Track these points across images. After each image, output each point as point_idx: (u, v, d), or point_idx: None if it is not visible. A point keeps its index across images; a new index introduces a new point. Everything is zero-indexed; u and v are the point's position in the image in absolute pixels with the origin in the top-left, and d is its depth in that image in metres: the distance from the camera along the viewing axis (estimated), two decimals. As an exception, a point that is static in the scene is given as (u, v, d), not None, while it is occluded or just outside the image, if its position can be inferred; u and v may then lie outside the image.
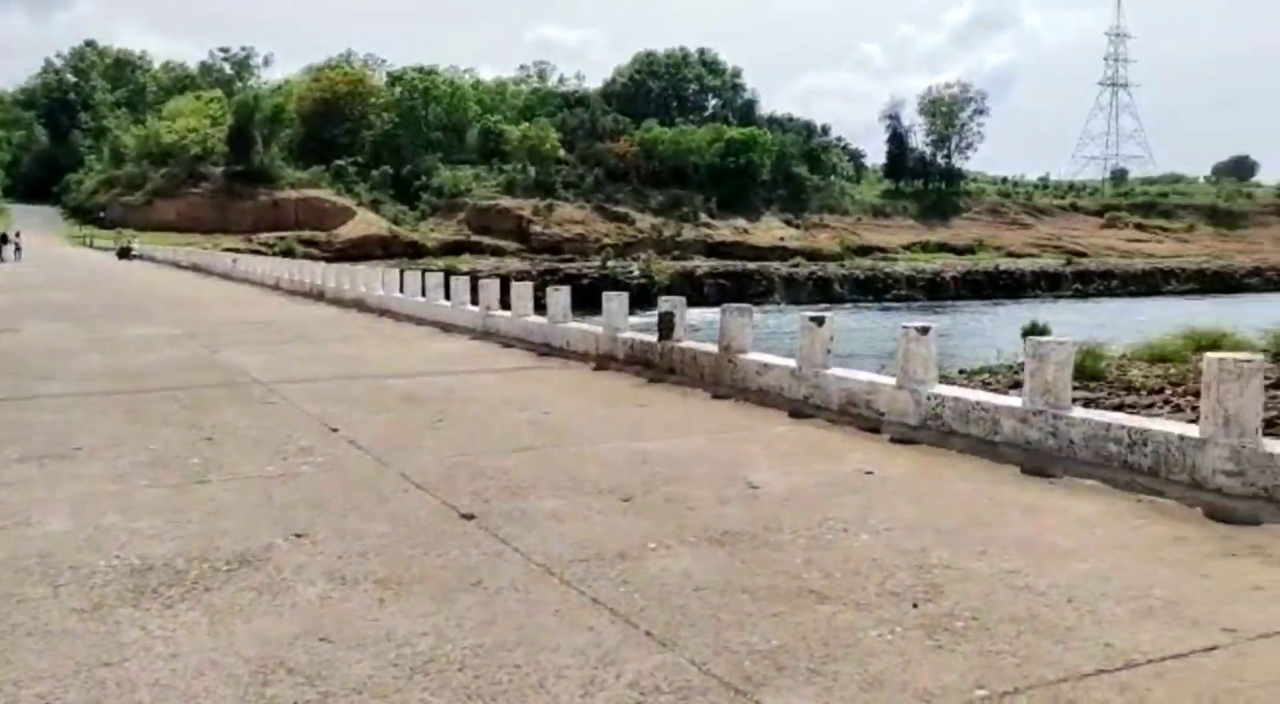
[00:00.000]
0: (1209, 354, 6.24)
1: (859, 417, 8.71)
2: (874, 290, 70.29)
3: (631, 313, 12.44)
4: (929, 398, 8.10)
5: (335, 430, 8.38)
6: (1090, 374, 13.14)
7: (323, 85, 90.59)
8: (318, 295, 25.55)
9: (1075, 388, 12.70)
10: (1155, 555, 5.17)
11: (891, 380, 8.53)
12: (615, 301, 12.19)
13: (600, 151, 79.74)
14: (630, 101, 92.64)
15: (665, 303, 11.24)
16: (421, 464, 7.17)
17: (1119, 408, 10.85)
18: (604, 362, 12.11)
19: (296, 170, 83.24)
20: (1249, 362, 5.93)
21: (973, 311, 58.83)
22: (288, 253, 59.61)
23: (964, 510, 6.03)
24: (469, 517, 5.86)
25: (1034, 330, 16.64)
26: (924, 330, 8.36)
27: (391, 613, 4.38)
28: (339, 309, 22.40)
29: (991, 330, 34.30)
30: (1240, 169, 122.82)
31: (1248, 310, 32.15)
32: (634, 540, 5.44)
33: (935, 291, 70.63)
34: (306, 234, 74.64)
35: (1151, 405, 11.38)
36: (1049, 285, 69.96)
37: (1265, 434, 6.07)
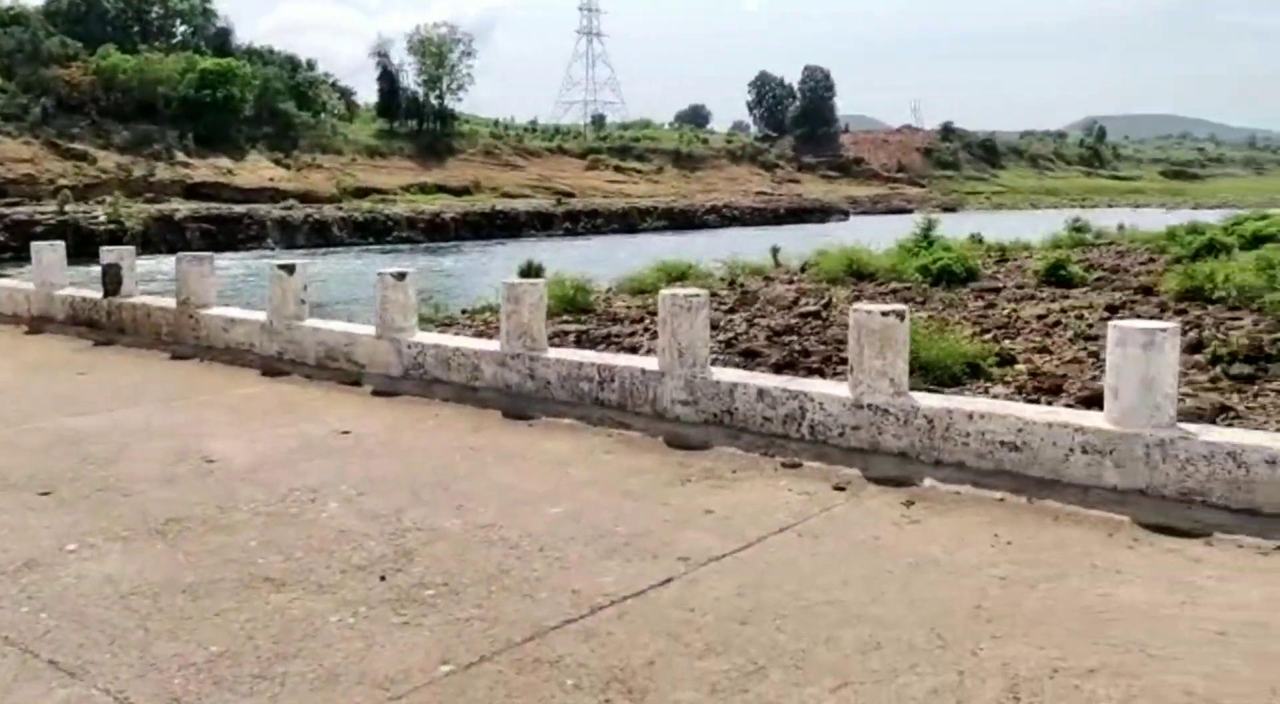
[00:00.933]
0: (663, 291, 6.56)
1: (339, 371, 8.18)
2: (374, 232, 68.96)
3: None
4: (410, 346, 7.78)
5: None
6: (581, 307, 13.77)
7: None
8: None
9: (568, 321, 13.38)
10: (622, 488, 5.31)
11: (371, 330, 8.10)
12: (49, 253, 10.38)
13: (47, 79, 68.96)
14: (80, 23, 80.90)
15: (109, 253, 9.76)
16: None
17: (607, 337, 11.50)
18: (38, 324, 10.30)
19: None
20: (696, 296, 6.31)
21: (474, 251, 59.95)
22: None
23: (443, 464, 5.80)
24: None
25: (530, 268, 17.08)
26: (400, 276, 7.99)
27: None
28: None
29: (493, 269, 35.19)
30: (697, 117, 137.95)
31: (708, 243, 36.07)
32: (48, 543, 4.50)
33: (436, 232, 70.98)
34: None
35: (634, 333, 12.03)
36: (542, 225, 73.46)
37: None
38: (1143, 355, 4.43)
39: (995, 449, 5.00)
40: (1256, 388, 9.32)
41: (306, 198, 72.46)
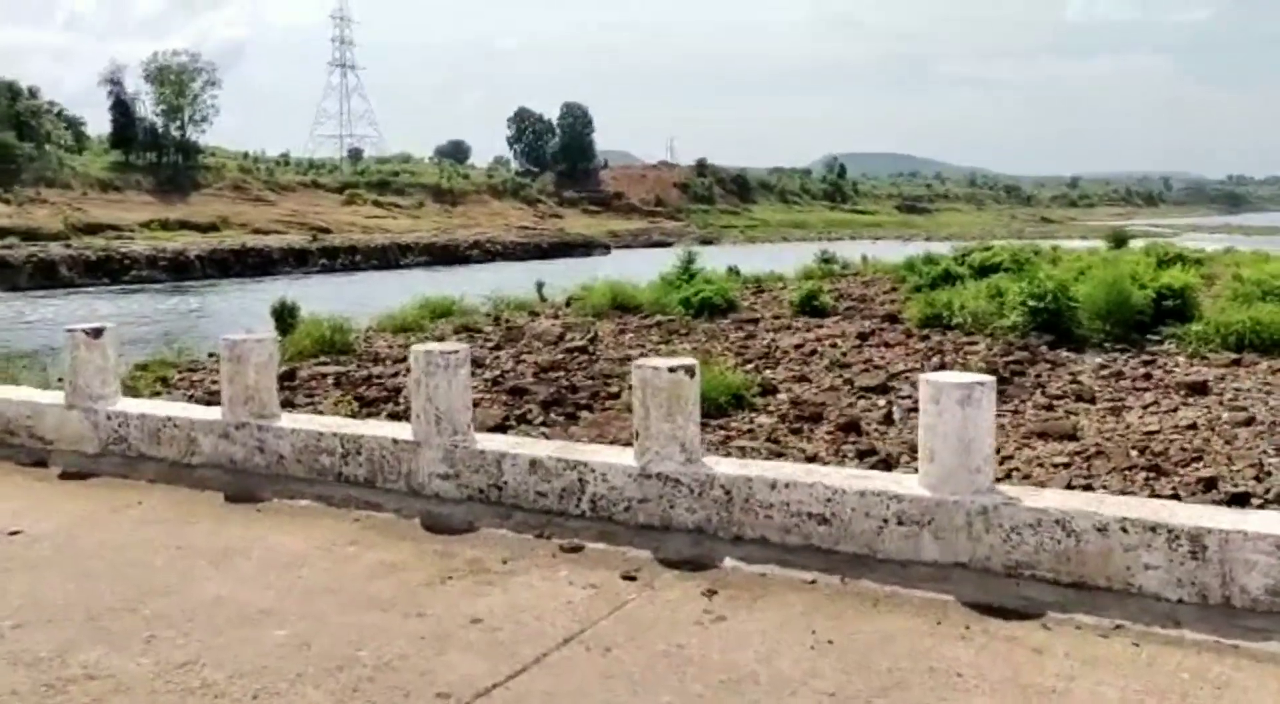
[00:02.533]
0: (415, 347, 5.63)
1: (20, 448, 6.71)
2: (110, 272, 63.37)
3: None
4: (110, 417, 6.45)
5: None
6: (340, 348, 12.83)
7: None
8: None
9: (326, 362, 12.14)
10: (368, 595, 4.33)
11: (59, 398, 6.69)
12: None
13: None
14: None
15: None
16: None
17: (368, 379, 10.77)
18: None
19: None
20: (454, 352, 5.44)
21: (223, 291, 56.11)
22: None
23: (138, 573, 4.61)
24: None
25: (284, 308, 15.57)
26: (97, 332, 6.64)
27: None
28: None
29: (243, 310, 32.66)
30: (457, 152, 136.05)
31: (472, 279, 35.01)
32: None
33: (181, 271, 66.05)
34: None
35: (397, 374, 11.12)
36: (297, 262, 69.82)
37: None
38: (960, 413, 3.92)
39: (802, 522, 4.38)
40: (996, 411, 9.45)
41: (30, 235, 65.59)
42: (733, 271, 25.62)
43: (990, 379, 4.07)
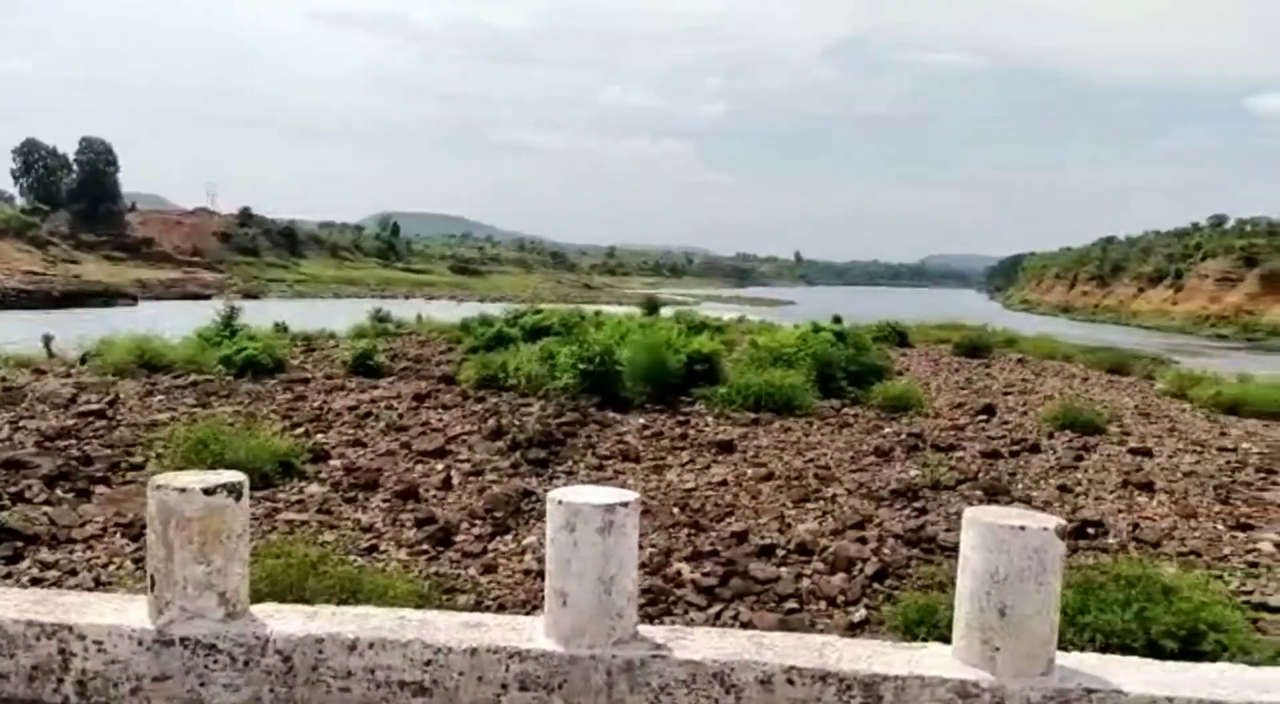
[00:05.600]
0: None
1: None
2: None
3: None
4: None
5: None
6: None
7: None
8: None
9: None
10: None
11: None
12: None
13: None
14: None
15: None
16: None
17: None
18: None
19: None
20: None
21: None
22: None
23: None
24: None
25: None
26: None
27: None
28: None
29: None
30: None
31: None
32: None
33: None
34: None
35: None
36: None
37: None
38: (601, 544, 3.23)
39: (393, 694, 3.38)
40: (550, 471, 9.72)
41: None
42: (280, 328, 24.33)
43: (634, 496, 3.39)
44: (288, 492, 8.60)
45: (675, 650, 3.23)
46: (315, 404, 13.19)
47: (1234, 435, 13.61)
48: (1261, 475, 10.76)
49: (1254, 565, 7.46)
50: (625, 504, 3.19)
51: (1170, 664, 2.75)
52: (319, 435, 11.01)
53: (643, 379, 14.10)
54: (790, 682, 3.13)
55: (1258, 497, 9.72)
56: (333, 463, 9.73)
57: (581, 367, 13.66)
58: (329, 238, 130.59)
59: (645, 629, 3.35)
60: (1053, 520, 2.73)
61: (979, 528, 2.77)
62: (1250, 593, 6.76)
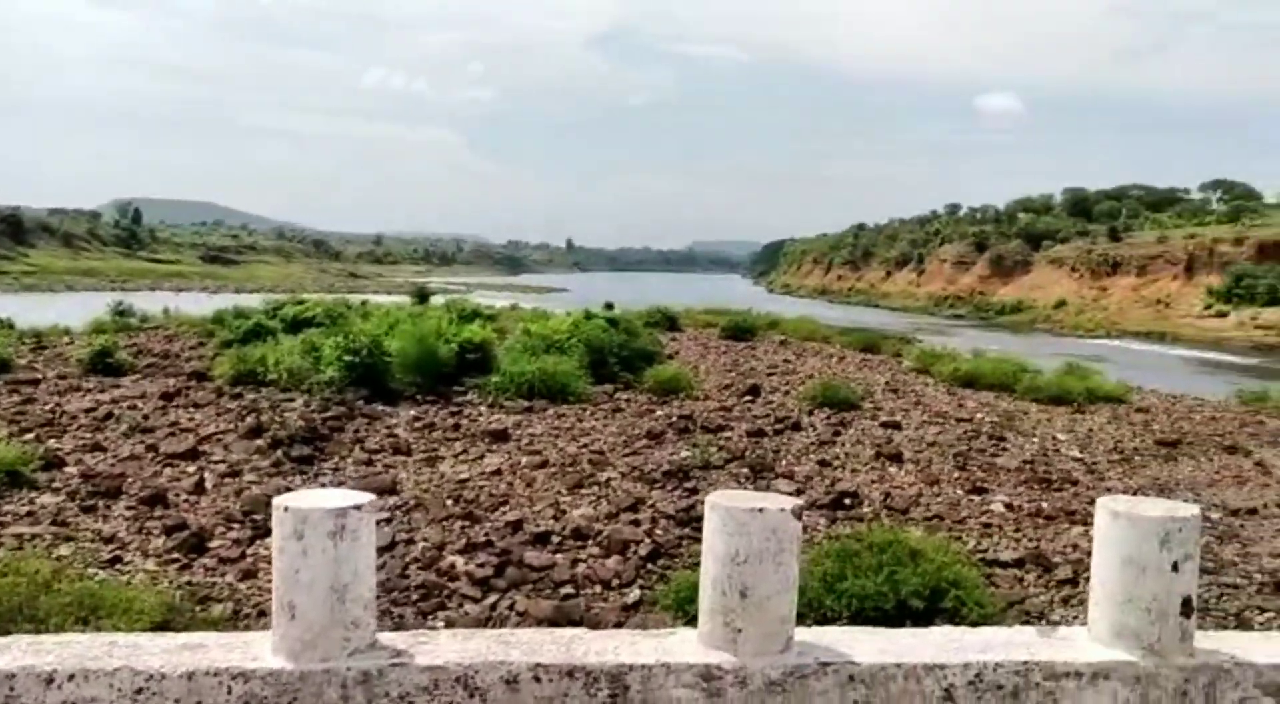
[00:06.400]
0: None
1: None
2: None
3: None
4: None
5: None
6: None
7: None
8: None
9: None
10: None
11: None
12: None
13: None
14: None
15: None
16: None
17: None
18: None
19: None
20: None
21: None
22: None
23: None
24: None
25: None
26: None
27: None
28: None
29: None
30: None
31: None
32: None
33: None
34: None
35: None
36: None
37: None
38: (333, 550, 2.92)
39: None
40: (316, 468, 9.35)
41: None
42: (5, 324, 22.16)
43: (369, 497, 3.12)
44: (15, 503, 7.83)
45: (417, 657, 3.03)
46: (47, 406, 12.09)
47: (969, 407, 14.80)
48: (993, 443, 11.76)
49: (988, 526, 8.13)
50: (359, 507, 2.90)
51: (900, 631, 2.91)
52: (51, 441, 10.08)
53: (413, 370, 13.75)
54: (537, 679, 3.02)
55: (990, 462, 10.61)
56: (68, 470, 8.94)
57: (347, 359, 13.15)
58: (61, 226, 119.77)
59: (386, 636, 3.13)
60: (790, 501, 2.79)
61: (720, 512, 2.81)
62: (985, 551, 7.38)
